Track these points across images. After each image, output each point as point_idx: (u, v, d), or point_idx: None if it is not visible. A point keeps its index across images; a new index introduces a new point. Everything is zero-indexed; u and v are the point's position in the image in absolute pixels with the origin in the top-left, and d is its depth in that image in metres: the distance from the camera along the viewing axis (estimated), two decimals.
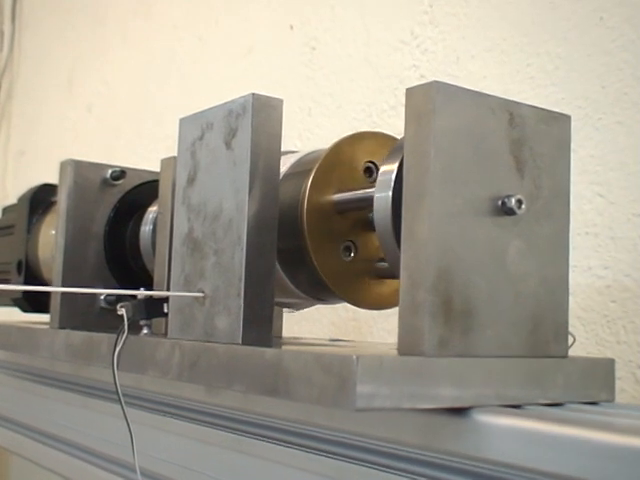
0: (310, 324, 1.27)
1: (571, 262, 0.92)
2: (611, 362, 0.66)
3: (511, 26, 1.03)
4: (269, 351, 0.58)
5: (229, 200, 0.66)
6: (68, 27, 2.27)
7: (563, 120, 0.64)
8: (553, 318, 0.62)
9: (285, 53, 1.41)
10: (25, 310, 1.15)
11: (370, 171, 0.70)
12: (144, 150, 1.67)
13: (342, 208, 0.69)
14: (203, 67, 1.66)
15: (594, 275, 0.91)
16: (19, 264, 1.12)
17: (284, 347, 0.62)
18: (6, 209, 1.29)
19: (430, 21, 1.14)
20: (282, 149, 0.68)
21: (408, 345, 0.56)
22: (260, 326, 0.64)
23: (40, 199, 1.13)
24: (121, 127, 1.92)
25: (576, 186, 0.93)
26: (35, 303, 1.12)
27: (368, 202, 0.64)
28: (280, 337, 0.90)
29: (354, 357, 0.51)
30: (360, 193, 0.67)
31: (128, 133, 1.88)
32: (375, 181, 0.64)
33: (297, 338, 0.90)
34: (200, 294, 0.68)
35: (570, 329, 0.91)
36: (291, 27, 1.40)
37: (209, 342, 0.66)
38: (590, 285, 0.91)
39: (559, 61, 0.96)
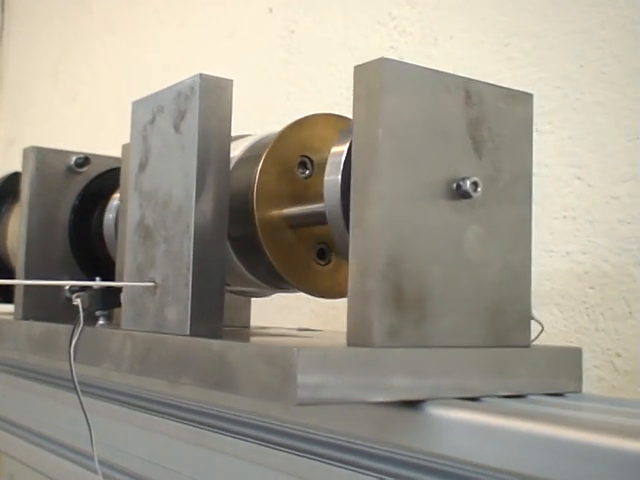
0: (291, 313, 1.24)
1: (549, 247, 0.90)
2: (578, 351, 0.63)
3: (490, 5, 1.00)
4: (215, 343, 0.56)
5: (178, 186, 0.63)
6: (55, 16, 2.24)
7: (525, 99, 0.61)
8: (515, 306, 0.60)
9: (265, 37, 1.38)
10: None
11: (304, 165, 0.67)
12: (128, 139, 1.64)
13: (295, 222, 0.66)
14: (186, 52, 1.63)
15: (572, 261, 0.89)
16: None
17: (235, 339, 0.59)
18: None
19: (407, 2, 1.11)
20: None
21: (357, 335, 0.53)
22: (210, 317, 0.62)
23: (9, 188, 1.11)
24: (106, 115, 1.90)
25: (554, 169, 0.90)
26: (4, 294, 1.10)
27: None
28: (247, 327, 0.87)
29: (295, 349, 0.48)
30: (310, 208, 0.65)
31: (113, 121, 1.86)
32: (310, 176, 0.61)
33: (264, 328, 0.87)
34: (151, 284, 0.65)
35: (548, 317, 0.89)
36: (270, 10, 1.37)
37: (160, 333, 0.63)
38: (569, 271, 0.89)
39: (537, 40, 0.93)
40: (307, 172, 0.67)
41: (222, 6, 1.52)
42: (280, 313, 1.24)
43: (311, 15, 1.29)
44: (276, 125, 1.31)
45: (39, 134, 2.22)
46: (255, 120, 1.32)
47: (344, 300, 1.09)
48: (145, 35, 1.79)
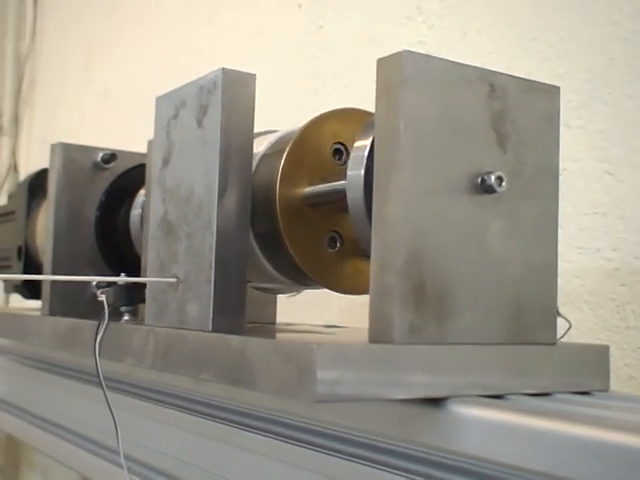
0: (320, 310, 1.24)
1: (578, 244, 0.89)
2: (605, 348, 0.62)
3: None
4: (235, 339, 0.55)
5: (200, 182, 0.63)
6: (86, 12, 2.26)
7: (550, 91, 0.60)
8: (539, 303, 0.59)
9: (293, 32, 1.38)
10: (25, 297, 1.14)
11: (340, 152, 0.66)
12: None
13: (316, 201, 0.65)
14: (215, 48, 1.63)
15: (602, 257, 0.87)
16: (19, 250, 1.11)
17: (257, 335, 0.59)
18: (10, 195, 1.28)
19: None
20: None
21: (378, 332, 0.53)
22: (231, 313, 0.61)
23: (39, 184, 1.11)
24: (136, 111, 1.91)
25: (583, 164, 0.89)
26: (34, 290, 1.11)
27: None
28: (273, 323, 0.87)
29: (314, 345, 0.48)
30: (334, 185, 0.64)
31: (143, 117, 1.86)
32: (345, 163, 0.60)
33: (289, 324, 0.87)
34: (173, 279, 0.65)
35: (577, 314, 0.88)
36: (299, 5, 1.37)
37: (182, 329, 0.63)
38: (598, 268, 0.87)
39: (565, 33, 0.91)
40: (343, 158, 0.66)
41: (251, 2, 1.52)
42: (311, 310, 1.24)
43: (339, 10, 1.28)
44: (304, 121, 1.31)
45: (70, 130, 2.24)
46: (283, 116, 1.32)
47: None
48: (174, 31, 1.80)
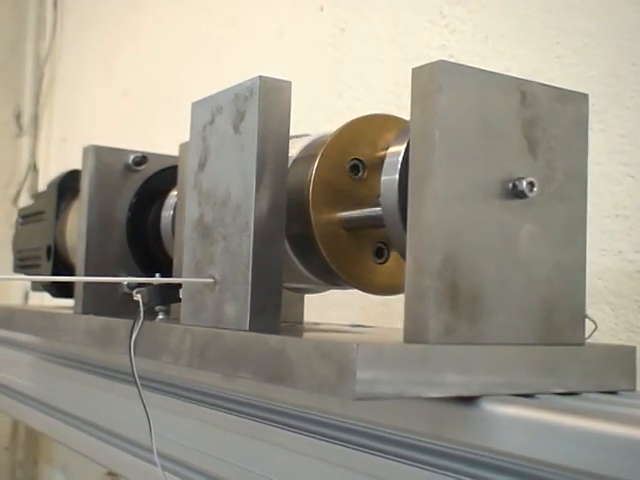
0: (341, 309, 1.26)
1: (601, 246, 0.90)
2: (632, 350, 0.63)
3: (539, 3, 1.00)
4: (273, 338, 0.57)
5: (237, 185, 0.65)
6: (106, 13, 2.28)
7: (580, 99, 0.62)
8: (568, 304, 0.60)
9: (315, 35, 1.40)
10: (54, 295, 1.16)
11: (356, 168, 0.68)
12: (179, 136, 1.66)
13: (352, 225, 0.68)
14: (236, 51, 1.65)
15: (625, 259, 0.89)
16: (48, 250, 1.13)
17: (293, 334, 0.61)
18: (38, 195, 1.30)
19: (458, 0, 1.11)
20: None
21: (413, 332, 0.55)
22: (268, 313, 0.63)
23: (68, 185, 1.13)
24: (157, 112, 1.93)
25: (605, 167, 0.90)
26: (63, 289, 1.13)
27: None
28: (300, 323, 0.89)
29: (354, 345, 0.50)
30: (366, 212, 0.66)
31: (163, 118, 1.89)
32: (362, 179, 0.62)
33: (317, 324, 0.89)
34: (210, 280, 0.67)
35: (600, 315, 0.89)
36: (321, 8, 1.39)
37: (218, 328, 0.65)
38: (620, 269, 0.89)
39: (588, 39, 0.93)
40: (359, 174, 0.68)
41: (273, 4, 1.54)
42: (330, 309, 1.25)
43: (362, 13, 1.30)
44: (327, 124, 1.33)
45: (91, 132, 2.26)
46: (306, 119, 1.34)
47: (394, 297, 1.10)
48: (195, 33, 1.82)
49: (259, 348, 0.58)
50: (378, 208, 0.63)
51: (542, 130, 0.59)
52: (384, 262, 0.67)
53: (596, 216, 0.89)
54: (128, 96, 2.10)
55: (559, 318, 0.60)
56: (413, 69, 0.56)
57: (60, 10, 2.58)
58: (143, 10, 2.08)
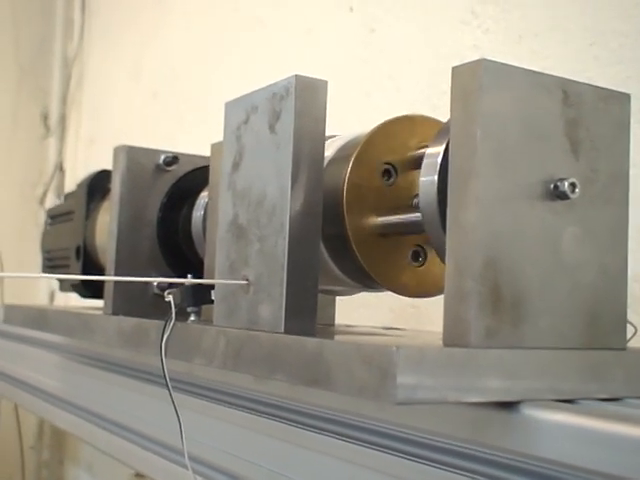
0: (369, 311, 1.25)
1: (637, 248, 0.89)
2: None
3: (574, 4, 0.99)
4: (311, 341, 0.56)
5: (272, 185, 0.64)
6: (134, 13, 2.28)
7: (622, 99, 0.60)
8: (611, 308, 0.59)
9: (344, 35, 1.39)
10: (83, 296, 1.16)
11: (389, 173, 0.68)
12: (208, 136, 1.66)
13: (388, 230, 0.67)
14: (264, 50, 1.64)
15: None
16: (77, 250, 1.13)
17: (329, 337, 0.60)
18: (67, 195, 1.30)
19: (491, 0, 1.10)
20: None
21: (454, 336, 0.54)
22: (303, 315, 0.62)
23: (98, 185, 1.13)
24: (185, 113, 1.93)
25: None
26: (93, 289, 1.13)
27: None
28: (332, 325, 0.88)
29: (394, 348, 0.49)
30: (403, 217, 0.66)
31: (192, 119, 1.88)
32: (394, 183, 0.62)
33: (350, 326, 0.88)
34: (244, 282, 0.66)
35: (636, 318, 0.87)
36: (351, 9, 1.38)
37: (253, 330, 0.64)
38: None
39: (624, 39, 0.91)
40: (391, 179, 0.67)
41: (303, 5, 1.53)
42: (357, 311, 1.25)
43: (392, 13, 1.29)
44: (356, 124, 1.32)
45: (118, 132, 2.26)
46: (335, 119, 1.33)
47: (425, 299, 1.09)
48: (224, 34, 1.81)
49: (296, 351, 0.58)
50: (415, 214, 0.63)
51: (585, 130, 0.58)
52: (421, 265, 0.66)
53: (633, 218, 0.88)
54: (156, 97, 2.10)
55: (603, 322, 0.58)
56: (453, 68, 0.55)
57: (87, 11, 2.59)
58: (171, 10, 2.08)
